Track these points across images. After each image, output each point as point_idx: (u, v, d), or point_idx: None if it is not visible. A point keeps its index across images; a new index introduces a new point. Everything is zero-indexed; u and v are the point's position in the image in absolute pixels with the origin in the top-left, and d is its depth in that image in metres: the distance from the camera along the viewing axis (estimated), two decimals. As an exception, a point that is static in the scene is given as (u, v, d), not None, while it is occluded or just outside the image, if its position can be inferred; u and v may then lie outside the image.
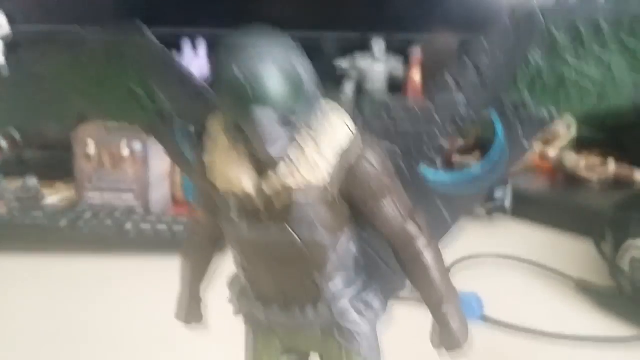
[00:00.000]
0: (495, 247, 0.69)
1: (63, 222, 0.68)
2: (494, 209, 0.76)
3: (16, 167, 0.88)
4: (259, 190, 0.25)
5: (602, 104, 0.27)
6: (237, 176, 0.25)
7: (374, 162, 0.25)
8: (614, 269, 0.60)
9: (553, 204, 0.79)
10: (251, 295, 0.28)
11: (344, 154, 0.25)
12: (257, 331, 0.29)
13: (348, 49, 1.00)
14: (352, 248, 0.27)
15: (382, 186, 0.26)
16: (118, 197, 0.77)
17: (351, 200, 0.26)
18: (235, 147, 0.25)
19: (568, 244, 0.72)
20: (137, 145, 0.76)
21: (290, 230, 0.25)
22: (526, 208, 0.78)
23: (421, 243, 0.27)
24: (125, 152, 0.76)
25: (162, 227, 0.69)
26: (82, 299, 0.58)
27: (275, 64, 0.23)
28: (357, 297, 0.27)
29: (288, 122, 0.23)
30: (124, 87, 0.32)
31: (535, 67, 0.26)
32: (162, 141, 0.32)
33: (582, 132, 0.87)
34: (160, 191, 0.80)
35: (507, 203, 0.77)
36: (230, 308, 0.30)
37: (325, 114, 0.25)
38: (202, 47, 0.99)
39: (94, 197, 0.77)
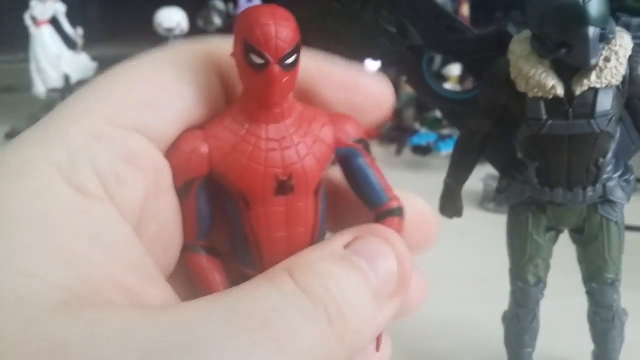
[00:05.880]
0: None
1: None
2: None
3: None
4: (568, 93, 0.31)
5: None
6: (548, 83, 0.31)
7: None
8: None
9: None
10: (535, 182, 0.34)
11: (630, 60, 0.32)
12: (529, 214, 0.36)
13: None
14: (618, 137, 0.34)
15: None
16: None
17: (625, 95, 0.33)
18: (541, 61, 0.31)
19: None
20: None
21: (594, 123, 0.32)
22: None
23: None
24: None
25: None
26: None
27: None
28: (621, 177, 0.34)
29: (604, 37, 0.30)
30: (376, 27, 0.37)
31: None
32: (409, 72, 0.38)
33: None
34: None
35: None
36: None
37: (615, 28, 0.32)
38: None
39: None
